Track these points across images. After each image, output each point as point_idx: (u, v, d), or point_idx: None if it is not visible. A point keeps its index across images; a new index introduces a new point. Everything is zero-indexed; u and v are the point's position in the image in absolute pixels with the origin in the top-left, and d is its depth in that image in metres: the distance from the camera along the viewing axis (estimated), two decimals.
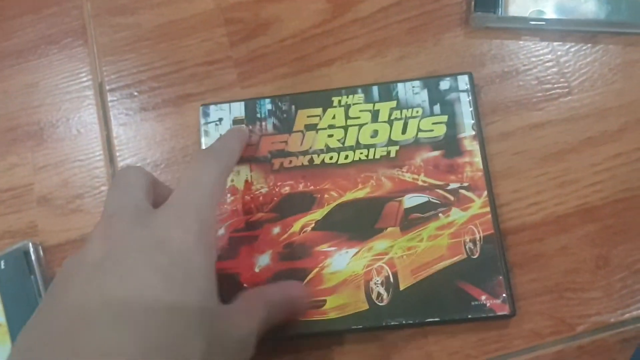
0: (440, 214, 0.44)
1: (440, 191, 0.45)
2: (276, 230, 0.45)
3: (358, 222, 0.45)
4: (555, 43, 0.49)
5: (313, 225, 0.45)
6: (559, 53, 0.49)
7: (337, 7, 0.52)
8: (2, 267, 0.47)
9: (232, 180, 0.47)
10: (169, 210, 0.36)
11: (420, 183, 0.45)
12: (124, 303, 0.31)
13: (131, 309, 0.30)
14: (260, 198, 0.46)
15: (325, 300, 0.43)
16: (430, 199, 0.45)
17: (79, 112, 0.53)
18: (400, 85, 0.48)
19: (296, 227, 0.45)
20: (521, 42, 0.49)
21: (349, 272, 0.43)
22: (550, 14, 0.48)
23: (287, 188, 0.46)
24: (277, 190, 0.46)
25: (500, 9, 0.48)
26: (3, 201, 0.51)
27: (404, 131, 0.47)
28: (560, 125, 0.47)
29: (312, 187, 0.46)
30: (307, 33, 0.52)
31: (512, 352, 0.43)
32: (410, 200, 0.45)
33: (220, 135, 0.47)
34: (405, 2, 0.52)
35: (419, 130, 0.46)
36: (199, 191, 0.37)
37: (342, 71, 0.50)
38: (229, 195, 0.46)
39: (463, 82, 0.47)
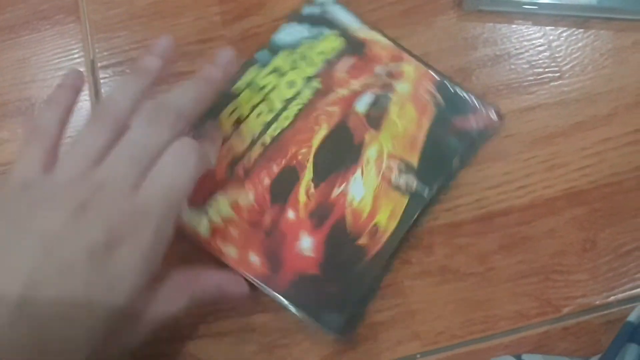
0: (390, 96, 0.47)
1: (375, 81, 0.47)
2: (291, 215, 0.45)
3: (341, 152, 0.46)
4: (547, 27, 0.49)
5: (312, 185, 0.45)
6: (551, 37, 0.49)
7: None
8: None
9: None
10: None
11: (357, 88, 0.47)
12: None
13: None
14: (257, 207, 0.45)
15: (376, 225, 0.44)
16: (375, 93, 0.47)
17: None
18: (277, 35, 0.50)
19: (302, 198, 0.45)
20: (514, 26, 0.50)
21: (370, 189, 0.45)
22: None
23: (266, 179, 0.46)
24: (260, 188, 0.45)
25: None
26: None
27: (309, 64, 0.48)
28: (550, 109, 0.47)
29: (283, 160, 0.46)
30: None
31: (497, 333, 0.43)
32: (360, 104, 0.47)
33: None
34: None
35: (321, 55, 0.49)
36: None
37: None
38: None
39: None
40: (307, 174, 0.45)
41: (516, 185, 0.46)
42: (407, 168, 0.45)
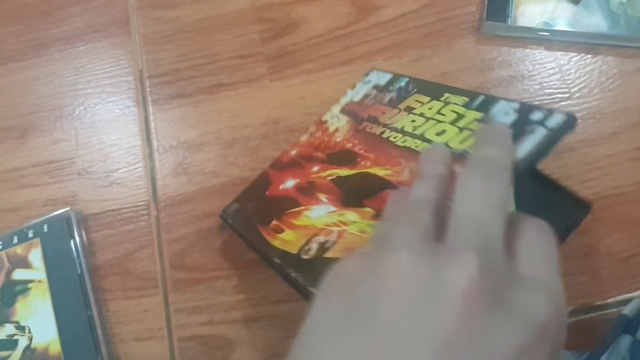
0: None
1: None
2: (315, 168, 0.49)
3: (359, 191, 0.45)
4: (558, 52, 0.54)
5: (334, 177, 0.47)
6: (562, 62, 0.53)
7: (361, 11, 0.57)
8: (46, 230, 0.52)
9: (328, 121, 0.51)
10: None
11: None
12: None
13: None
14: (331, 143, 0.50)
15: (284, 230, 0.46)
16: None
17: (120, 95, 0.57)
18: (501, 102, 0.42)
19: (326, 173, 0.48)
20: (527, 50, 0.54)
21: (313, 222, 0.45)
22: (555, 26, 0.53)
23: (350, 144, 0.49)
24: (344, 144, 0.49)
25: (510, 19, 0.53)
26: (48, 172, 0.55)
27: (462, 142, 0.41)
28: None
29: (361, 151, 0.48)
30: (333, 34, 0.56)
31: None
32: None
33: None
34: (423, 10, 0.56)
35: None
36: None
37: (362, 69, 0.55)
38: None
39: (555, 120, 0.38)
40: (344, 172, 0.48)
41: None
42: (322, 250, 0.42)
